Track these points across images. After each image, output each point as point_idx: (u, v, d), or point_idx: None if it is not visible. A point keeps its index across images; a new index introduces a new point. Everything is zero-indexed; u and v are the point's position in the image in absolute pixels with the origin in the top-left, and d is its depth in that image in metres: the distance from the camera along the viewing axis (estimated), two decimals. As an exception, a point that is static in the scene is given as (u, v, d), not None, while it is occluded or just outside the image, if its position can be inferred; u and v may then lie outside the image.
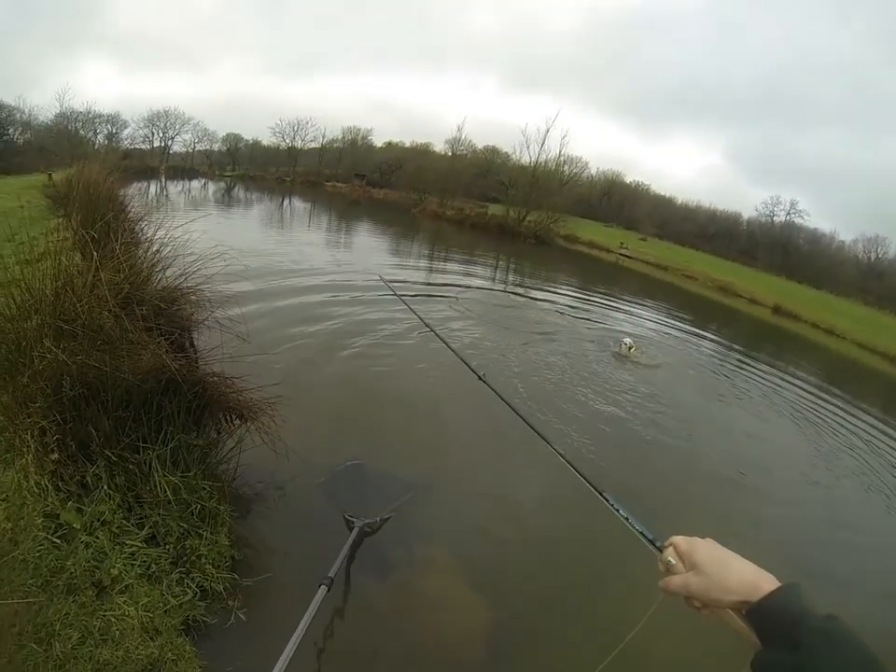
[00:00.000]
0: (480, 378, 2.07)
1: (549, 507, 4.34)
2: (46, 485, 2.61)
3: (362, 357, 6.79)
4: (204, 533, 2.78)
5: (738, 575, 0.76)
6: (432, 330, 2.74)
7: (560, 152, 37.15)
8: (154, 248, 4.40)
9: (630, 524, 0.98)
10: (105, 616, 2.29)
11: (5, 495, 2.59)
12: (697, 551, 0.82)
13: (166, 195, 30.18)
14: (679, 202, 62.46)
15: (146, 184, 31.11)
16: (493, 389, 1.89)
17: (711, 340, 14.71)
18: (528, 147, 38.25)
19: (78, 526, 2.55)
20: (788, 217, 55.17)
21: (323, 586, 2.53)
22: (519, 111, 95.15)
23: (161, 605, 2.44)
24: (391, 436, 4.95)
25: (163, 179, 37.76)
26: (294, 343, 6.63)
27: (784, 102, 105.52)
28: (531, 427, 1.57)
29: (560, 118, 39.11)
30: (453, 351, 2.35)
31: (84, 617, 2.25)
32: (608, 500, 1.08)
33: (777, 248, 49.81)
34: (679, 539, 0.87)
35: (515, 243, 29.94)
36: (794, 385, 11.23)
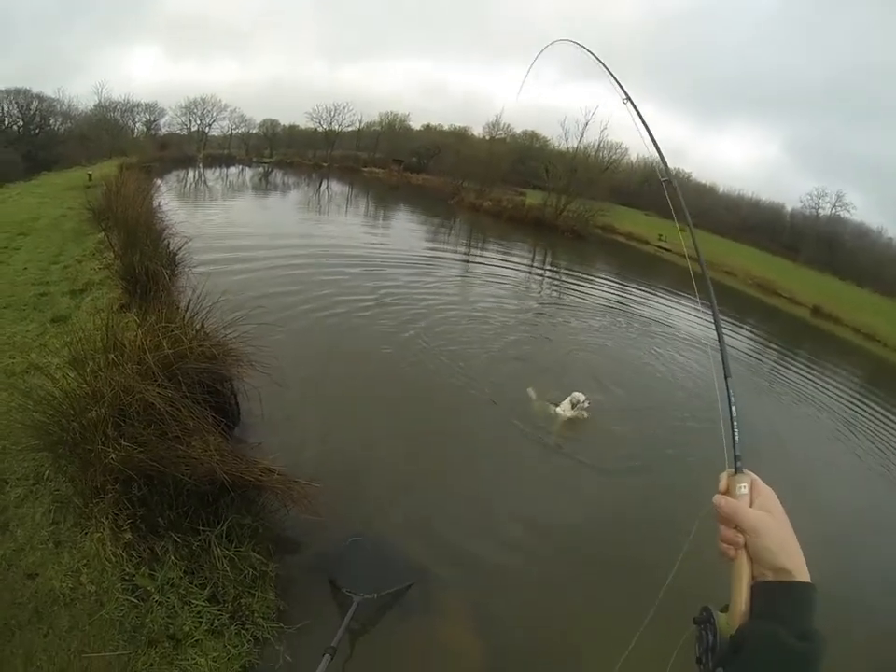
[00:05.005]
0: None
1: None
2: (121, 554, 3.11)
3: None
4: (256, 592, 3.26)
5: (796, 547, 0.78)
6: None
7: (599, 142, 36.59)
8: (194, 299, 4.84)
9: (733, 419, 0.92)
10: (181, 665, 2.78)
11: (86, 560, 3.09)
12: (774, 501, 0.82)
13: (204, 181, 31.20)
14: (721, 191, 60.38)
15: (184, 172, 32.23)
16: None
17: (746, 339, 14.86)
18: (567, 140, 37.79)
19: (152, 589, 3.04)
20: (833, 211, 52.44)
21: (327, 655, 2.84)
22: (571, 98, 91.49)
23: (224, 655, 2.92)
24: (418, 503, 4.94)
25: (201, 167, 38.74)
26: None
27: (849, 99, 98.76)
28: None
29: (602, 109, 37.68)
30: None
31: (165, 666, 2.75)
32: (728, 384, 0.99)
33: (822, 243, 47.37)
34: (758, 478, 0.86)
35: (552, 236, 29.47)
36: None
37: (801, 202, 54.80)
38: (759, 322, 18.82)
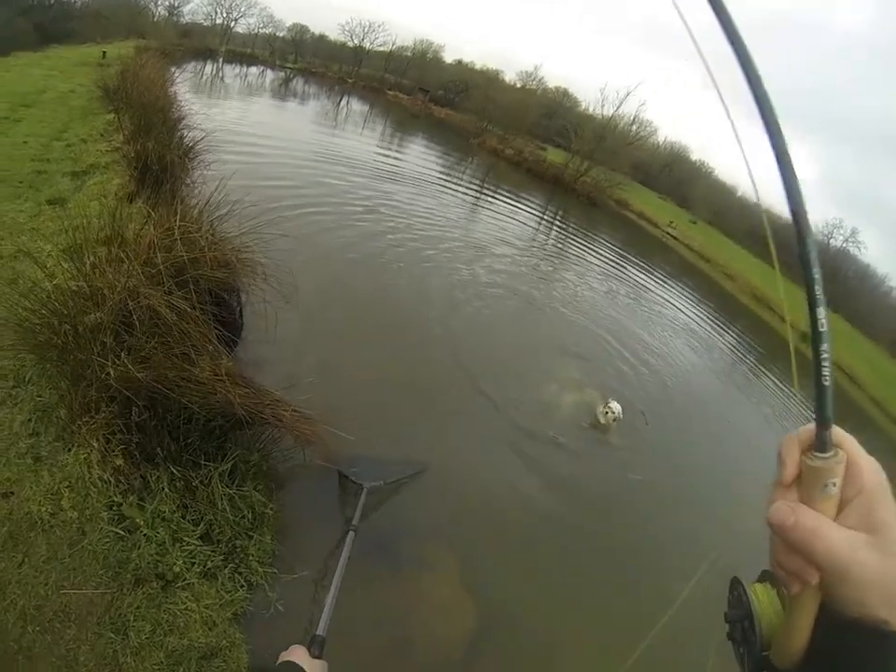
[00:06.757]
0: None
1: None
2: (108, 479, 2.77)
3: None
4: (253, 535, 2.99)
5: None
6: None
7: (634, 118, 35.82)
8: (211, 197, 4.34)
9: (819, 328, 0.48)
10: (170, 609, 2.53)
11: (68, 482, 2.74)
12: (884, 503, 0.44)
13: (222, 78, 29.53)
14: (739, 194, 58.99)
15: (202, 64, 30.34)
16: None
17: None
18: (602, 107, 36.67)
19: (141, 522, 2.73)
20: (844, 245, 51.01)
21: (351, 531, 3.02)
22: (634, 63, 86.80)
23: (217, 602, 2.68)
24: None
25: (221, 61, 36.49)
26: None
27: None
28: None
29: (643, 87, 36.46)
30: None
31: (153, 609, 2.48)
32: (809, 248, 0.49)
33: (826, 274, 47.16)
34: (861, 456, 0.45)
35: (567, 197, 29.18)
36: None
37: (814, 227, 53.90)
38: (745, 330, 18.48)
